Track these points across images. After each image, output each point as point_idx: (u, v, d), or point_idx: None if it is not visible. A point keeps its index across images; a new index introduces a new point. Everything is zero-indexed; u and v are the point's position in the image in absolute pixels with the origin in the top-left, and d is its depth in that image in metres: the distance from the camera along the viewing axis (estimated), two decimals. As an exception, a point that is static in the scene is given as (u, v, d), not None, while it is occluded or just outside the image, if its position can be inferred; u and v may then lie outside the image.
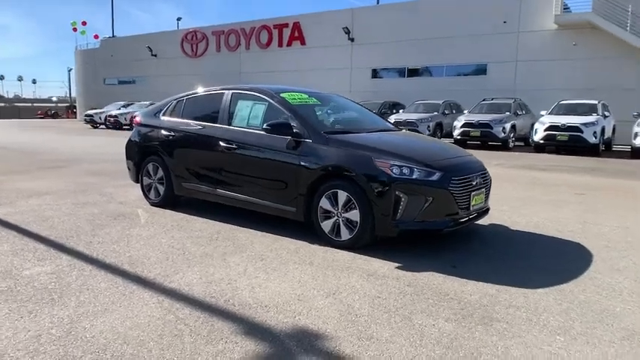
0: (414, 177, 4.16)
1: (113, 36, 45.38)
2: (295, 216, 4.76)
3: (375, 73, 27.34)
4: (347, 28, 27.13)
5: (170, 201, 6.04)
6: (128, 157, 6.56)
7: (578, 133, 14.27)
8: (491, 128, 16.27)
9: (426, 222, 4.20)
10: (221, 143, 5.28)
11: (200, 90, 6.10)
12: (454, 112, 19.60)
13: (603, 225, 5.57)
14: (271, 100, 5.15)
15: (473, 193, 4.47)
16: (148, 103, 29.91)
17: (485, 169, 4.86)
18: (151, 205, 6.19)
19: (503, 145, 16.63)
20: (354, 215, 4.29)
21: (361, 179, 4.24)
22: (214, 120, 5.53)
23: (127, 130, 27.21)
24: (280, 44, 31.06)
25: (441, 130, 18.57)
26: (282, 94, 5.21)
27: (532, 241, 4.92)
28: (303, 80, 28.61)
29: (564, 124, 14.51)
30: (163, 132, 5.99)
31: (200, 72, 34.36)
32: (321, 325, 2.90)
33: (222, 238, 4.78)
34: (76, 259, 4.09)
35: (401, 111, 20.17)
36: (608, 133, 15.55)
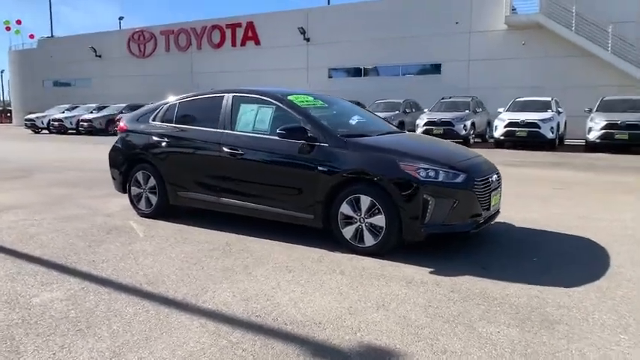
0: (440, 179, 4.10)
1: (52, 36, 42.94)
2: (313, 223, 4.59)
3: (331, 73, 27.37)
4: (302, 28, 27.01)
5: (163, 211, 5.69)
6: (113, 165, 6.13)
7: (537, 129, 14.86)
8: (453, 126, 16.65)
9: (454, 224, 4.15)
10: (225, 149, 5.01)
11: (194, 93, 5.78)
12: (414, 110, 19.93)
13: (600, 219, 5.76)
14: (279, 104, 4.94)
15: (492, 194, 4.47)
16: (94, 106, 28.59)
17: (498, 169, 4.88)
18: (142, 216, 5.81)
19: (464, 142, 17.04)
20: (379, 220, 4.18)
21: (387, 183, 4.13)
22: (214, 125, 5.24)
23: (73, 134, 25.86)
24: (234, 44, 30.51)
25: (402, 129, 18.77)
26: (289, 97, 5.02)
27: (541, 238, 4.99)
28: (260, 81, 28.25)
29: (523, 121, 15.07)
30: (155, 138, 5.63)
31: (149, 72, 33.22)
32: (388, 341, 2.77)
33: (235, 249, 4.53)
34: (85, 281, 3.73)
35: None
36: (561, 129, 16.30)
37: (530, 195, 7.36)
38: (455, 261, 4.17)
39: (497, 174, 4.72)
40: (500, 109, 16.60)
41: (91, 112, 27.19)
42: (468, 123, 16.77)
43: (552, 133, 14.85)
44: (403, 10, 23.95)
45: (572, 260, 4.25)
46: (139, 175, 5.77)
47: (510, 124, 15.20)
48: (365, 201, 4.24)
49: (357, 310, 3.18)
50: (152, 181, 5.66)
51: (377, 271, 3.92)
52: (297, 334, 2.85)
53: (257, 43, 29.69)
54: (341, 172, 4.34)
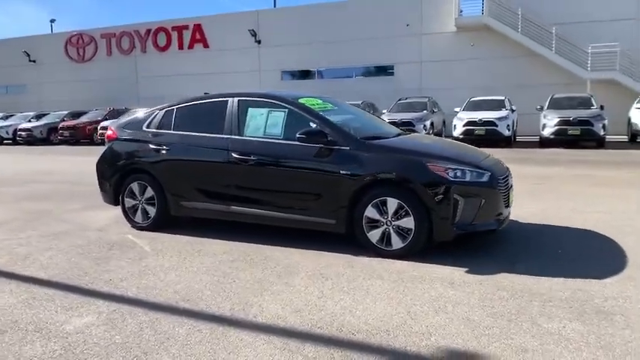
0: (467, 179, 4.14)
1: (-24, 40, 39.92)
2: (335, 228, 4.50)
3: (283, 76, 27.21)
4: (253, 30, 26.69)
5: (162, 223, 5.40)
6: (102, 176, 5.75)
7: (494, 127, 15.44)
8: (414, 126, 16.95)
9: (481, 223, 4.20)
10: (234, 155, 4.82)
11: (192, 98, 5.52)
12: (371, 111, 20.15)
13: (592, 211, 6.03)
14: (292, 107, 4.81)
15: (510, 191, 4.57)
16: (32, 114, 26.89)
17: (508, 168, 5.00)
18: (138, 229, 5.48)
19: (424, 142, 17.46)
20: (408, 222, 4.15)
21: (417, 185, 4.11)
22: (219, 130, 5.03)
23: (9, 144, 24.16)
24: (181, 47, 29.60)
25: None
26: (300, 100, 4.91)
27: (550, 232, 5.14)
28: (210, 84, 27.56)
29: (481, 119, 15.61)
30: (152, 146, 5.33)
31: (90, 78, 31.67)
32: (465, 343, 2.74)
33: (257, 259, 4.36)
34: (112, 302, 3.45)
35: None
36: (514, 126, 17.04)
37: (516, 191, 7.60)
38: (481, 259, 4.22)
39: (509, 173, 4.83)
40: (457, 109, 17.12)
41: (30, 121, 25.45)
42: (428, 123, 17.16)
43: (508, 130, 15.49)
44: (354, 12, 24.19)
45: (589, 252, 4.40)
46: (134, 186, 5.45)
47: (469, 123, 15.70)
48: (392, 204, 4.20)
49: (417, 315, 3.14)
50: (149, 192, 5.35)
51: (414, 274, 3.89)
52: (371, 344, 2.77)
53: (206, 45, 28.99)
54: (366, 175, 4.28)
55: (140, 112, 5.86)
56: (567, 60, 19.56)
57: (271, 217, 4.77)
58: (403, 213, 4.17)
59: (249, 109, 5.00)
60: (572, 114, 14.44)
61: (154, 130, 5.43)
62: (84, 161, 14.80)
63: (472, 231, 4.19)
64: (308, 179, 4.54)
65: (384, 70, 24.51)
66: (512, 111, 16.54)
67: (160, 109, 5.54)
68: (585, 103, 15.49)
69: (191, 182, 5.13)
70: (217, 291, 3.62)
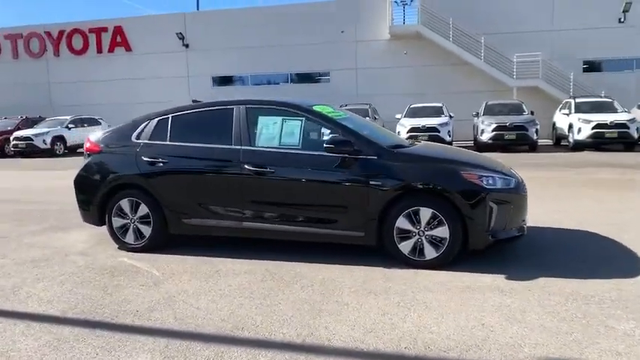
0: (499, 186, 4.19)
1: None
2: (364, 241, 4.36)
3: (215, 81, 26.47)
4: (181, 33, 25.69)
5: (158, 243, 4.95)
6: (82, 194, 5.16)
7: (436, 133, 16.03)
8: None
9: (511, 230, 4.26)
10: (248, 167, 4.53)
11: (189, 106, 5.12)
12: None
13: (583, 212, 6.37)
14: (309, 115, 4.61)
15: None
16: None
17: None
18: (130, 251, 4.98)
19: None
20: (442, 232, 4.12)
21: (453, 194, 4.08)
22: (225, 141, 4.70)
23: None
24: (99, 50, 27.77)
25: None
26: (315, 108, 4.72)
27: (555, 235, 5.27)
28: (134, 91, 26.28)
29: (424, 126, 16.16)
30: (145, 158, 4.87)
31: (-5, 83, 28.80)
32: (560, 352, 2.73)
33: (288, 276, 4.10)
34: (158, 337, 3.07)
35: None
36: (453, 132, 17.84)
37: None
38: (511, 264, 4.28)
39: None
40: (398, 115, 17.58)
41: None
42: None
43: (449, 136, 16.17)
44: (290, 18, 24.14)
45: (606, 253, 4.56)
46: (124, 203, 4.94)
47: (412, 129, 16.16)
48: (425, 213, 4.14)
49: (494, 326, 3.09)
50: (143, 209, 4.88)
51: (459, 284, 3.85)
52: (472, 362, 2.68)
53: (128, 49, 27.44)
54: (399, 185, 4.19)
55: (123, 124, 5.33)
56: (495, 68, 20.84)
57: (293, 232, 4.53)
58: (436, 222, 4.13)
59: (260, 117, 4.72)
60: (508, 120, 15.38)
61: (147, 142, 4.96)
62: (6, 175, 13.38)
63: (505, 237, 4.23)
64: (334, 191, 4.37)
65: (320, 76, 24.65)
66: (451, 117, 17.30)
67: (151, 119, 5.07)
68: (517, 109, 16.58)
69: (194, 197, 4.74)
70: (268, 315, 3.34)
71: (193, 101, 5.52)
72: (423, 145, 5.21)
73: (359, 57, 23.60)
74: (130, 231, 4.96)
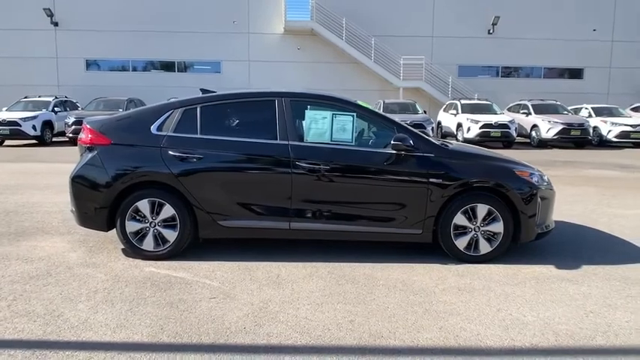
0: (542, 182, 4.54)
1: None
2: (421, 238, 4.39)
3: (90, 65, 23.78)
4: (49, 9, 22.52)
5: (181, 249, 4.39)
6: (83, 195, 4.33)
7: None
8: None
9: (548, 224, 4.64)
10: (301, 164, 4.24)
11: (217, 96, 4.58)
12: None
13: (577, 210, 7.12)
14: (359, 110, 4.47)
15: None
16: None
17: None
18: (145, 258, 4.33)
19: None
20: (497, 227, 4.33)
21: (510, 191, 4.31)
22: (267, 134, 4.35)
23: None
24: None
25: None
26: (359, 103, 4.60)
27: (562, 230, 5.60)
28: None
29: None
30: (174, 153, 4.26)
31: None
32: (679, 332, 3.11)
33: (359, 278, 3.96)
34: (304, 355, 2.76)
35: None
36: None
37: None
38: (538, 254, 4.65)
39: None
40: None
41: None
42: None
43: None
44: (178, 2, 22.68)
45: (614, 247, 5.17)
46: (143, 205, 4.27)
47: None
48: (482, 209, 4.32)
49: (602, 314, 3.36)
50: (168, 211, 4.28)
51: (524, 276, 4.08)
52: (624, 347, 2.90)
53: (-22, 22, 23.34)
54: (458, 182, 4.29)
55: (133, 111, 4.58)
56: (384, 69, 22.11)
57: (348, 231, 4.37)
58: (491, 218, 4.33)
59: (307, 111, 4.44)
60: (409, 118, 16.46)
61: (172, 134, 4.34)
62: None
63: (546, 231, 4.59)
64: (393, 189, 4.31)
65: (211, 67, 23.64)
66: None
67: (174, 108, 4.44)
68: (412, 109, 17.84)
69: (235, 197, 4.30)
70: (391, 320, 3.21)
71: (202, 90, 4.98)
72: (463, 144, 5.36)
73: (252, 49, 23.16)
74: (149, 236, 4.30)
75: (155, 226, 4.30)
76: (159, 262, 4.27)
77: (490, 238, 4.36)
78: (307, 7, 22.18)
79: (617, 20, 23.72)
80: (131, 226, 4.29)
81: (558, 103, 18.18)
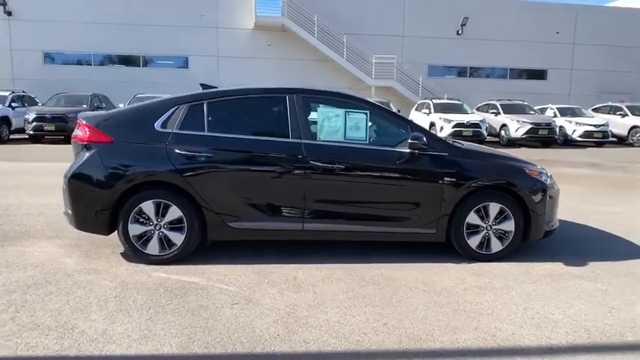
0: (550, 181, 4.58)
1: None
2: (434, 238, 4.35)
3: (50, 59, 22.71)
4: (3, -2, 21.36)
5: (188, 253, 4.18)
6: (83, 195, 4.06)
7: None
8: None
9: (553, 222, 4.69)
10: (314, 163, 4.12)
11: (224, 91, 4.37)
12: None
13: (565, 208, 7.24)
14: (372, 108, 4.38)
15: None
16: None
17: None
18: (150, 263, 4.10)
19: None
20: (508, 225, 4.34)
21: (522, 189, 4.32)
22: (278, 132, 4.21)
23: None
24: None
25: None
26: (370, 100, 4.51)
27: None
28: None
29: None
30: (181, 151, 4.05)
31: None
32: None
33: (380, 279, 3.88)
34: (347, 363, 2.66)
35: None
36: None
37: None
38: (541, 251, 4.70)
39: None
40: None
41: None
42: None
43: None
44: (143, -5, 21.98)
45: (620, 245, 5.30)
46: (147, 206, 4.04)
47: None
48: (494, 208, 4.33)
49: (622, 308, 3.42)
50: (175, 212, 4.06)
51: (538, 273, 4.12)
52: (659, 344, 2.94)
53: None
54: (472, 181, 4.27)
55: (133, 107, 4.33)
56: (356, 67, 22.13)
57: (362, 232, 4.28)
58: (503, 217, 4.34)
59: (319, 109, 4.32)
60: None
61: (178, 132, 4.12)
62: None
63: (552, 229, 4.64)
64: (406, 188, 4.26)
65: (179, 62, 23.02)
66: None
67: (178, 104, 4.22)
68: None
69: (247, 198, 4.13)
70: (419, 321, 3.14)
71: (202, 85, 4.77)
72: (471, 144, 5.32)
73: (221, 44, 22.71)
74: (154, 239, 4.08)
75: (160, 228, 4.07)
76: (165, 267, 4.05)
77: (501, 236, 4.37)
78: (278, 3, 21.93)
79: (578, 23, 24.68)
80: (134, 229, 4.05)
81: (525, 103, 18.70)
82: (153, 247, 4.09)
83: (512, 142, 17.12)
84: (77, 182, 4.06)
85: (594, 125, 17.36)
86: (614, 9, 27.48)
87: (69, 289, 3.55)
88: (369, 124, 4.35)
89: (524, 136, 16.70)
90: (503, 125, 17.49)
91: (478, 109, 19.44)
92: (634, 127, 17.74)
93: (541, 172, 4.52)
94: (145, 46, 22.44)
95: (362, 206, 4.25)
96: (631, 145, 17.89)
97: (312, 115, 4.42)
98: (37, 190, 7.31)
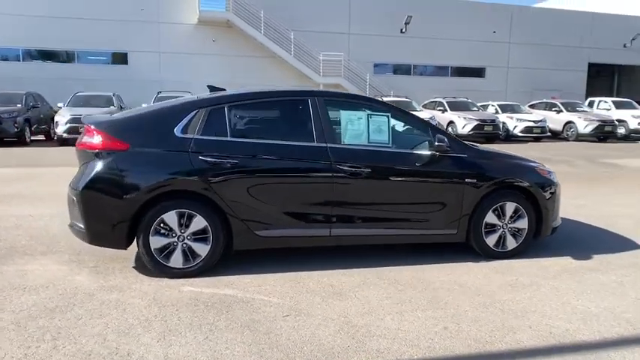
0: (557, 180, 4.81)
1: None
2: (455, 238, 4.44)
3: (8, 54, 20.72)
4: None
5: (213, 264, 3.98)
6: (98, 207, 3.74)
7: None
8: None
9: (558, 219, 4.93)
10: (341, 167, 4.06)
11: (241, 93, 4.19)
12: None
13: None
14: (393, 111, 4.39)
15: None
16: None
17: None
18: (173, 277, 3.87)
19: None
20: (522, 224, 4.51)
21: (535, 188, 4.51)
22: (302, 136, 4.11)
23: None
24: None
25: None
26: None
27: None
28: None
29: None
30: (206, 158, 3.84)
31: None
32: None
33: (414, 282, 3.90)
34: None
35: None
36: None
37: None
38: (543, 248, 4.92)
39: None
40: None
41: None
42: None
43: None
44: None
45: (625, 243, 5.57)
46: (170, 217, 3.80)
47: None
48: (510, 207, 4.48)
49: (647, 300, 3.67)
50: (199, 223, 3.85)
51: (555, 268, 4.31)
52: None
53: None
54: (492, 182, 4.39)
55: (145, 110, 4.04)
56: (304, 64, 22.06)
57: (389, 235, 4.29)
58: (517, 215, 4.51)
59: (342, 112, 4.26)
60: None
61: (200, 137, 3.90)
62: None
63: (557, 226, 4.86)
64: (431, 190, 4.31)
65: (118, 58, 21.83)
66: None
67: (199, 107, 3.99)
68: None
69: (278, 205, 3.99)
70: (474, 322, 3.20)
71: (210, 88, 4.57)
72: (485, 146, 5.43)
73: (163, 40, 21.80)
74: (178, 251, 3.85)
75: (184, 240, 3.85)
76: (190, 280, 3.84)
77: (515, 234, 4.54)
78: (222, -2, 21.40)
79: (513, 23, 26.12)
80: (156, 242, 3.80)
81: (469, 100, 19.55)
82: (176, 260, 3.85)
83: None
84: (92, 194, 3.74)
85: (533, 121, 18.49)
86: (547, 10, 29.31)
87: (100, 311, 3.26)
88: (391, 126, 4.37)
89: (470, 133, 17.44)
90: (451, 122, 18.19)
91: (425, 107, 20.04)
92: (568, 122, 19.08)
93: (549, 171, 4.74)
94: (80, 41, 21.04)
95: (387, 210, 4.25)
96: (565, 139, 19.25)
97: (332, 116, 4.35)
98: (5, 200, 6.67)
